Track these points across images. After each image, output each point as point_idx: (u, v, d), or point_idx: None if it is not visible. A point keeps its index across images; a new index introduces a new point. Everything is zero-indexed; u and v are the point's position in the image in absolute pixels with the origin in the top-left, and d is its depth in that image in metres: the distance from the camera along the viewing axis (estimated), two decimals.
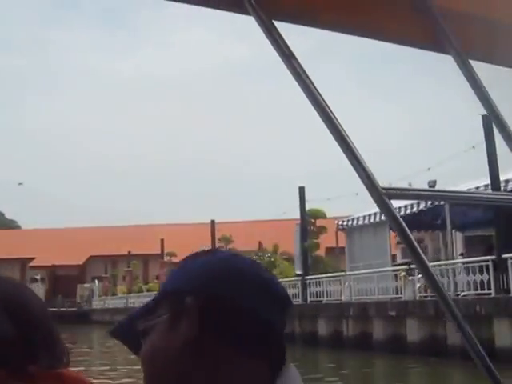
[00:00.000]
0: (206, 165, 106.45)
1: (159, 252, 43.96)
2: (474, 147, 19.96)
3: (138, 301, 43.85)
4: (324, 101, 1.39)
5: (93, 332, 42.40)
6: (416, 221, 20.78)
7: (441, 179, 22.29)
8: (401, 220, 1.74)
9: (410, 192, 1.95)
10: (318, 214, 25.89)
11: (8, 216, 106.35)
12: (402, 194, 1.82)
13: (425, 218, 21.31)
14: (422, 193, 1.99)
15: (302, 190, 24.92)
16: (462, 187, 19.55)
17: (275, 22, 1.36)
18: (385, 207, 1.75)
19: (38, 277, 55.54)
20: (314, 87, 1.36)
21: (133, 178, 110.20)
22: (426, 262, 1.72)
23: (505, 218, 17.82)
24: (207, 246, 34.88)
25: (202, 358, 0.91)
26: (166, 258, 40.14)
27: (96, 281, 54.86)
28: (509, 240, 17.30)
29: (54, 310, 53.68)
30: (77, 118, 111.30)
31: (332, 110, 1.43)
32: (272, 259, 31.74)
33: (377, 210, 23.92)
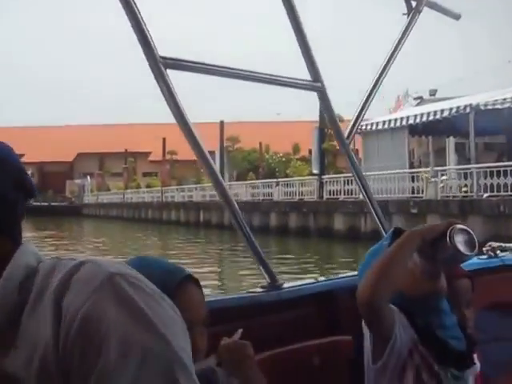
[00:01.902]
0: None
1: (160, 151, 44.74)
2: (510, 61, 21.01)
3: (136, 196, 45.00)
4: None
5: (84, 224, 43.83)
6: (440, 126, 22.16)
7: (474, 89, 23.25)
8: (180, 103, 1.96)
9: (188, 64, 1.99)
10: None
11: None
12: (179, 64, 1.92)
13: (448, 125, 22.44)
14: (200, 66, 2.05)
15: None
16: (490, 96, 20.79)
17: None
18: (161, 76, 1.87)
19: (30, 172, 55.84)
20: None
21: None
22: (217, 173, 2.13)
23: None
24: (214, 146, 35.84)
25: None
26: (168, 157, 41.05)
27: (88, 177, 55.58)
28: None
29: (45, 204, 54.68)
30: None
31: None
32: (283, 159, 33.00)
33: (396, 116, 25.08)
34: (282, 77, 2.43)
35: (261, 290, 2.30)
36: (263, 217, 28.01)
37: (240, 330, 1.68)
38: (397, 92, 34.67)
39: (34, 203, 54.92)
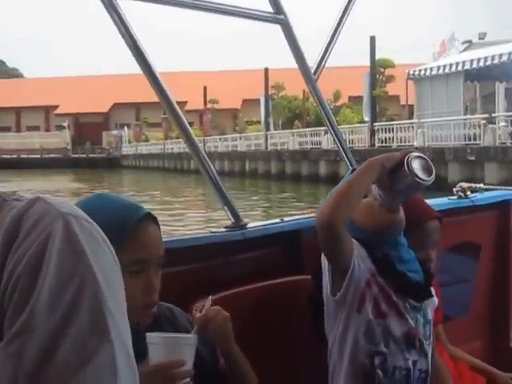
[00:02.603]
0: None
1: (196, 100, 44.72)
2: None
3: (177, 146, 45.20)
4: None
5: (124, 175, 44.22)
6: (495, 71, 21.82)
7: None
8: (135, 34, 1.95)
9: None
10: (387, 64, 26.78)
11: (9, 64, 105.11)
12: None
13: (502, 70, 22.07)
14: None
15: (372, 39, 25.69)
16: None
17: None
18: (110, 5, 1.88)
19: (66, 123, 56.36)
20: None
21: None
22: (182, 118, 2.10)
23: None
24: (260, 93, 35.76)
25: None
26: (209, 105, 40.95)
27: (125, 127, 55.72)
28: None
29: (84, 156, 55.11)
30: None
31: None
32: (331, 107, 32.71)
33: (451, 61, 24.70)
34: (242, 8, 2.34)
35: (225, 229, 2.28)
36: (312, 165, 28.02)
37: (210, 297, 1.63)
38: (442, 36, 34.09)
39: (73, 155, 55.58)
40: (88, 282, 0.74)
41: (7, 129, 63.36)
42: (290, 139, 30.72)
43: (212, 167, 2.22)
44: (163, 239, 1.51)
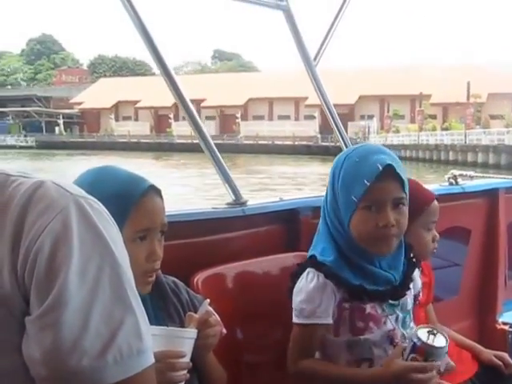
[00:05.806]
0: None
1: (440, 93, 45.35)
2: None
3: (432, 138, 46.64)
4: None
5: None
6: None
7: None
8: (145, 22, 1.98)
9: None
10: None
11: (245, 58, 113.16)
12: None
13: None
14: None
15: None
16: None
17: None
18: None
19: (316, 114, 60.31)
20: None
21: None
22: (186, 98, 2.13)
23: None
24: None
25: None
26: (472, 100, 41.96)
27: (374, 118, 58.12)
28: None
29: (332, 144, 58.17)
30: None
31: None
32: None
33: None
34: None
35: (225, 206, 2.33)
36: None
37: (207, 301, 1.59)
38: None
39: (323, 143, 59.01)
40: (107, 257, 0.82)
41: (261, 117, 69.55)
42: None
43: (213, 146, 2.23)
44: (166, 213, 1.54)
